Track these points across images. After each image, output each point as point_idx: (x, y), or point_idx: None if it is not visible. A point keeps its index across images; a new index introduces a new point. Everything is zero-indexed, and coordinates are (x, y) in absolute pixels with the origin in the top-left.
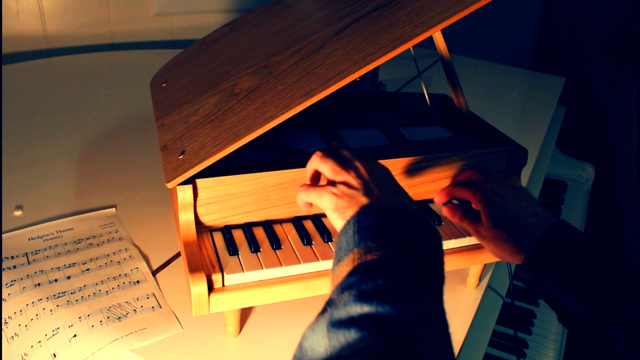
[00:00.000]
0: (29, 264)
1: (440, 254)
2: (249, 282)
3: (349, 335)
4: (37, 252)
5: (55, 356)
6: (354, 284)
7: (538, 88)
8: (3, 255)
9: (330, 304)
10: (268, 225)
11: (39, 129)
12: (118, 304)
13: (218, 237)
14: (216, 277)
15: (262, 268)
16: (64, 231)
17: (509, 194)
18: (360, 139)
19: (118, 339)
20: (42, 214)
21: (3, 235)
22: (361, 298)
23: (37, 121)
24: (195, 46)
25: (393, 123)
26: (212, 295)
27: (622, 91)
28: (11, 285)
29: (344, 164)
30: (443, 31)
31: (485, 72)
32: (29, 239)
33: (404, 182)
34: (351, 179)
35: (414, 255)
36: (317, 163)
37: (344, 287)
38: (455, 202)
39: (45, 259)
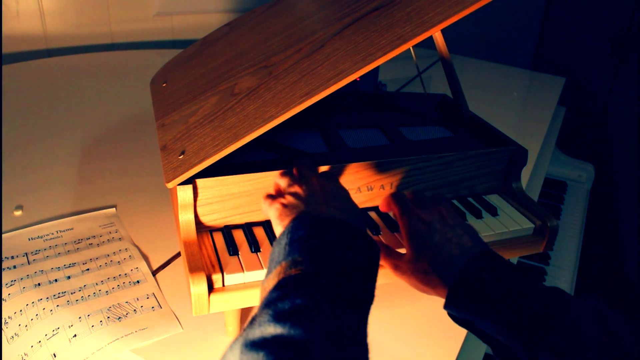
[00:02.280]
0: (29, 264)
1: (373, 271)
2: (249, 282)
3: (257, 359)
4: (37, 252)
5: (55, 356)
6: (273, 302)
7: (538, 88)
8: (3, 255)
9: (252, 322)
10: (268, 226)
11: (39, 129)
12: (118, 304)
13: (218, 237)
14: (216, 277)
15: (262, 268)
16: (64, 231)
17: (435, 222)
18: (360, 139)
19: (118, 339)
20: (42, 214)
21: (3, 235)
22: (276, 318)
23: (37, 121)
24: (195, 46)
25: (393, 123)
26: (212, 295)
27: (622, 91)
28: (11, 285)
29: (299, 179)
30: (443, 31)
31: (485, 72)
32: (29, 239)
33: (402, 182)
34: (300, 191)
35: (338, 272)
36: (277, 177)
37: (265, 303)
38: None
39: (45, 259)
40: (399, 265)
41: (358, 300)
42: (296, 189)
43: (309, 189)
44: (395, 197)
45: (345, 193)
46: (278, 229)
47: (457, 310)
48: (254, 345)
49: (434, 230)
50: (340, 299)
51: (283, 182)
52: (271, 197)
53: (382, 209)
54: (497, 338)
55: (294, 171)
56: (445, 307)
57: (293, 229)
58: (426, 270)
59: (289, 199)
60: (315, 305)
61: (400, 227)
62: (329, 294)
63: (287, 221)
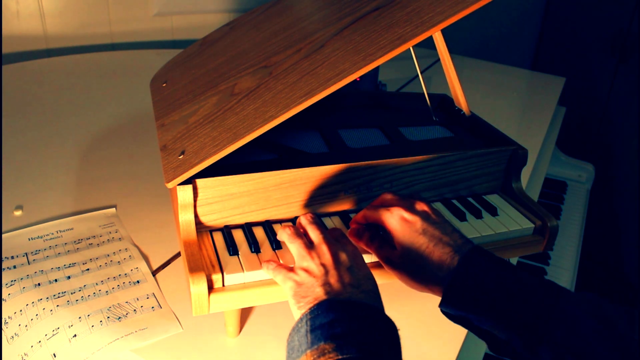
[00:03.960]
0: (29, 264)
1: (397, 348)
2: (249, 282)
3: None
4: (37, 252)
5: (55, 356)
6: None
7: (538, 88)
8: (3, 255)
9: None
10: (268, 225)
11: (39, 129)
12: (118, 304)
13: (218, 237)
14: (216, 277)
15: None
16: (64, 231)
17: (421, 220)
18: (360, 139)
19: (118, 339)
20: (42, 214)
21: (3, 235)
22: None
23: (37, 121)
24: (195, 46)
25: (393, 123)
26: (212, 295)
27: (622, 91)
28: (11, 285)
29: (311, 247)
30: (443, 31)
31: (485, 72)
32: (29, 239)
33: (402, 182)
34: (313, 266)
35: (369, 354)
36: (287, 241)
37: None
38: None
39: (45, 259)
40: (392, 261)
41: None
42: (308, 263)
43: (321, 262)
44: (368, 209)
45: (356, 257)
46: (294, 309)
47: (453, 309)
48: None
49: (422, 228)
50: None
51: (294, 249)
52: (280, 266)
53: (362, 220)
54: (493, 333)
55: (305, 227)
56: (441, 305)
57: (313, 317)
58: (417, 269)
59: (302, 276)
60: None
61: (387, 229)
62: None
63: (302, 303)
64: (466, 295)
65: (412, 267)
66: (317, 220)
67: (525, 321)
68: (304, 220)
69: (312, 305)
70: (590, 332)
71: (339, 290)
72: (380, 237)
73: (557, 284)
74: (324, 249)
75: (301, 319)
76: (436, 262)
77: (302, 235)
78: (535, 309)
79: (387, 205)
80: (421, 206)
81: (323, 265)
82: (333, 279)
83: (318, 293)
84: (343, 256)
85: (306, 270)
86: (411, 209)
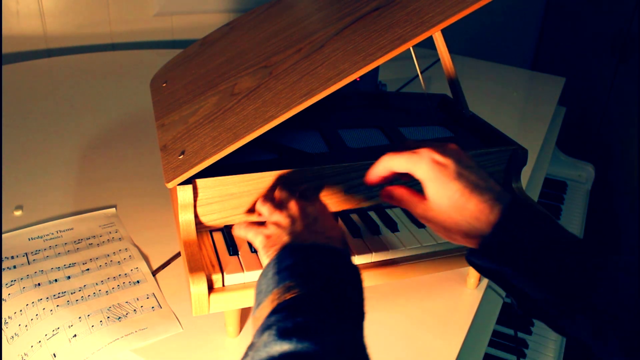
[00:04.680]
0: (29, 264)
1: (359, 289)
2: (249, 282)
3: None
4: (37, 252)
5: (55, 356)
6: (274, 324)
7: (538, 88)
8: (3, 255)
9: (251, 347)
10: None
11: (39, 129)
12: (118, 304)
13: (218, 237)
14: (216, 277)
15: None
16: (64, 231)
17: (455, 163)
18: (360, 139)
19: (118, 339)
20: (42, 214)
21: (3, 235)
22: (281, 336)
23: (37, 121)
24: (195, 46)
25: (393, 123)
26: (212, 295)
27: (622, 91)
28: (11, 285)
29: (279, 205)
30: (443, 31)
31: (485, 72)
32: (29, 239)
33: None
34: (281, 218)
35: (332, 291)
36: (259, 206)
37: (264, 328)
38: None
39: (45, 259)
40: (423, 208)
41: (354, 315)
42: (277, 217)
43: (289, 215)
44: (390, 155)
45: (324, 213)
46: (264, 259)
47: (490, 261)
48: None
49: (454, 172)
50: (339, 314)
51: (264, 210)
52: (250, 224)
53: (383, 171)
54: (526, 292)
55: (276, 194)
56: (474, 257)
57: (278, 261)
58: (452, 218)
59: (271, 229)
60: (317, 321)
61: (416, 177)
62: (327, 310)
63: (271, 251)
64: (506, 249)
65: (445, 216)
66: (288, 182)
67: (567, 283)
68: (278, 187)
69: (278, 250)
70: (634, 303)
71: (305, 237)
72: (407, 187)
73: (598, 244)
74: (291, 204)
75: (268, 265)
76: (474, 211)
77: (270, 198)
78: (581, 273)
79: (413, 148)
80: (453, 146)
81: (290, 216)
82: (299, 228)
83: (284, 240)
84: (310, 208)
85: (275, 224)
86: (442, 151)
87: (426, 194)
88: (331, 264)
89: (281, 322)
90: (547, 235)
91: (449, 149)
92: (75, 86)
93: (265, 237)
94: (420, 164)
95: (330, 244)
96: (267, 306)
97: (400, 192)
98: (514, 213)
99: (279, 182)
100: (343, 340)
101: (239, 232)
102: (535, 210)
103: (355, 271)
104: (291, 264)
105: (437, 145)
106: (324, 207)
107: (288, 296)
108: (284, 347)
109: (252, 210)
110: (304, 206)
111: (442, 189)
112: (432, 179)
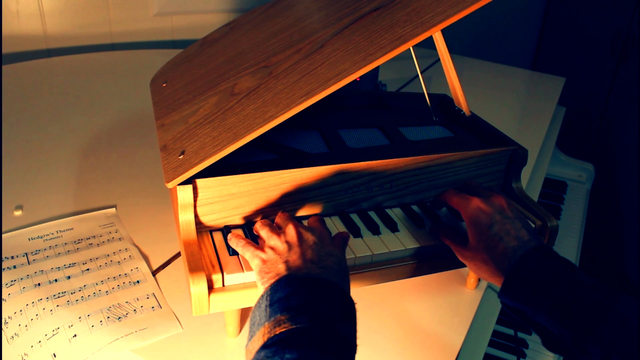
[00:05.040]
0: (29, 264)
1: (352, 323)
2: (249, 282)
3: None
4: (37, 252)
5: (55, 356)
6: (263, 359)
7: (538, 88)
8: (3, 255)
9: None
10: None
11: (38, 129)
12: (118, 304)
13: (218, 237)
14: (216, 277)
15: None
16: (64, 231)
17: (495, 213)
18: (360, 139)
19: (118, 339)
20: (42, 214)
21: (3, 235)
22: None
23: (37, 121)
24: (195, 46)
25: (393, 123)
26: (212, 295)
27: (622, 91)
28: (11, 285)
29: (278, 228)
30: (443, 31)
31: (485, 72)
32: (29, 239)
33: (402, 182)
34: (279, 243)
35: (322, 325)
36: (259, 227)
37: None
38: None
39: (45, 259)
40: (463, 251)
41: (342, 349)
42: (274, 242)
43: (286, 242)
44: (452, 191)
45: (322, 239)
46: (259, 285)
47: (510, 300)
48: None
49: (494, 221)
50: (327, 350)
51: (263, 233)
52: (249, 243)
53: (443, 199)
54: (547, 328)
55: (277, 218)
56: (500, 295)
57: (272, 292)
58: (485, 259)
59: (268, 254)
60: (305, 356)
61: (463, 217)
62: (315, 345)
63: (265, 279)
64: (524, 287)
65: (481, 257)
66: (287, 213)
67: (578, 318)
68: (277, 216)
69: (273, 281)
70: (636, 335)
71: (299, 266)
72: (455, 231)
73: (613, 286)
74: (290, 229)
75: (262, 296)
76: (500, 254)
77: (271, 223)
78: (590, 307)
79: (469, 192)
80: (498, 200)
81: (287, 242)
82: (295, 255)
83: (280, 269)
84: (307, 235)
85: (272, 248)
86: (488, 201)
87: (469, 234)
88: (324, 297)
89: (270, 358)
90: (561, 277)
91: (494, 201)
92: (75, 86)
93: (262, 262)
94: (468, 208)
95: (323, 275)
96: (258, 339)
97: (448, 243)
98: (531, 257)
99: (279, 210)
100: None
101: (235, 247)
102: (554, 256)
103: (348, 303)
104: (284, 296)
105: (486, 195)
106: (322, 232)
107: (278, 330)
108: None
109: (252, 211)
110: (301, 233)
111: (480, 231)
112: (473, 222)
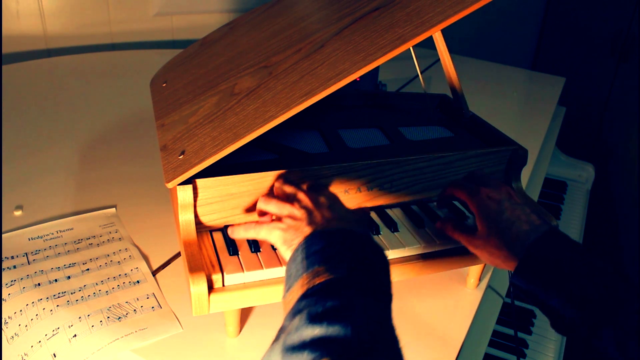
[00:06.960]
0: (29, 264)
1: (386, 271)
2: (249, 282)
3: (302, 359)
4: (37, 252)
5: (55, 356)
6: (304, 308)
7: (538, 88)
8: (3, 255)
9: (282, 330)
10: None
11: (38, 129)
12: (118, 304)
13: (218, 237)
14: (216, 277)
15: (262, 268)
16: (64, 231)
17: (504, 200)
18: (360, 139)
19: (118, 339)
20: (42, 214)
21: (3, 235)
22: (312, 321)
23: (37, 121)
24: (195, 46)
25: (393, 123)
26: (212, 295)
27: (622, 91)
28: (11, 285)
29: (288, 198)
30: (443, 31)
31: (485, 72)
32: (29, 239)
33: (402, 182)
34: (295, 210)
35: (360, 274)
36: (263, 205)
37: (295, 312)
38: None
39: (45, 259)
40: (473, 240)
41: (381, 296)
42: (289, 209)
43: (301, 205)
44: (458, 183)
45: (336, 199)
46: (287, 253)
47: (524, 282)
48: (295, 348)
49: (504, 208)
50: (368, 296)
51: (272, 207)
52: (259, 223)
53: (449, 193)
54: (558, 310)
55: (280, 188)
56: (513, 278)
57: (307, 246)
58: (497, 245)
59: (287, 222)
60: (347, 303)
61: (471, 207)
62: (356, 292)
63: (295, 242)
64: (538, 270)
65: (493, 242)
66: (289, 179)
67: (591, 301)
68: (277, 183)
69: (304, 238)
70: None
71: (327, 224)
72: (462, 224)
73: (628, 274)
74: (301, 196)
75: (296, 250)
76: (513, 238)
77: (274, 196)
78: (606, 291)
79: (475, 182)
80: (505, 187)
81: (305, 207)
82: (318, 217)
83: (307, 231)
84: (322, 199)
85: (290, 216)
86: (496, 190)
87: (478, 223)
88: (358, 247)
89: (312, 306)
90: (575, 260)
91: (502, 188)
92: (75, 86)
93: (283, 231)
94: (477, 197)
95: (352, 227)
96: (297, 290)
97: (457, 236)
98: (545, 240)
99: (278, 181)
100: (372, 322)
101: (245, 233)
102: (567, 239)
103: (381, 253)
104: (319, 248)
105: (494, 184)
106: (333, 195)
107: (317, 281)
108: (315, 331)
109: (251, 209)
110: (313, 196)
111: (490, 218)
112: (484, 210)
